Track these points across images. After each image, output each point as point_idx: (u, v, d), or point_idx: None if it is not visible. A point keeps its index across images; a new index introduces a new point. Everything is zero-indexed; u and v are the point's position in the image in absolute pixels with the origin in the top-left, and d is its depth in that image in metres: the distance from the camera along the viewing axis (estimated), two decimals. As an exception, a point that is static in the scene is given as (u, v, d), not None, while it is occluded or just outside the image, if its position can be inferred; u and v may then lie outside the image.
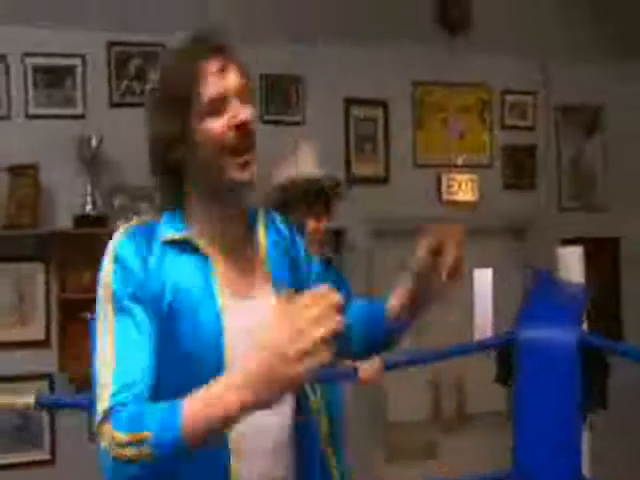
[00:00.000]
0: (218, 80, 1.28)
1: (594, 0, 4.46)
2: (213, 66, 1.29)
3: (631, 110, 4.45)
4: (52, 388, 3.66)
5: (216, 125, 1.28)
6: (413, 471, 4.02)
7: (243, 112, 1.28)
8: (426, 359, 2.69)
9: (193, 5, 3.79)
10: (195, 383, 1.11)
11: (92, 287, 3.83)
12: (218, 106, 1.28)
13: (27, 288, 3.66)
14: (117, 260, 1.29)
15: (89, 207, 3.61)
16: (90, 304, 3.79)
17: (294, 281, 1.42)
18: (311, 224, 2.41)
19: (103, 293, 1.30)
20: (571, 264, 3.00)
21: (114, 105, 3.76)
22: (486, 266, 4.47)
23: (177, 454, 1.10)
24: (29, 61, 3.62)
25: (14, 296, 3.64)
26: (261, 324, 1.11)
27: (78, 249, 3.63)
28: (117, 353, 1.23)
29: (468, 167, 4.34)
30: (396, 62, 4.13)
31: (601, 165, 4.59)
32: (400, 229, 4.14)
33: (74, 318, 3.62)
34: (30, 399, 2.26)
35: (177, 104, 1.28)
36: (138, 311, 1.26)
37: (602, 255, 4.64)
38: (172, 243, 1.32)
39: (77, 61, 3.68)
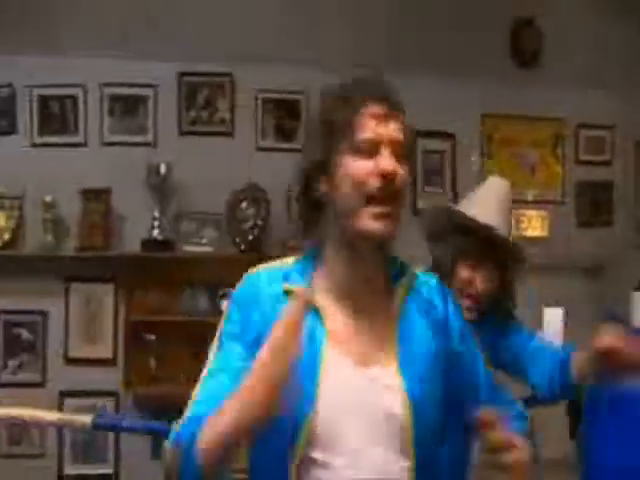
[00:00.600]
0: (376, 125, 1.23)
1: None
2: (376, 110, 1.23)
3: None
4: (117, 405, 3.80)
5: (361, 166, 1.22)
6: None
7: (391, 163, 1.21)
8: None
9: (261, 37, 3.86)
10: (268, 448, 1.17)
11: (157, 309, 3.98)
12: (369, 149, 1.22)
13: (97, 308, 3.81)
14: (234, 300, 1.31)
15: (156, 231, 3.73)
16: (155, 325, 3.93)
17: (433, 354, 1.28)
18: (464, 273, 1.96)
19: (218, 327, 1.32)
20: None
21: (183, 133, 3.87)
22: (558, 305, 4.33)
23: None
24: (106, 91, 3.79)
25: (84, 315, 3.79)
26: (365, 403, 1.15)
27: (145, 272, 3.76)
28: (202, 386, 1.24)
29: (539, 203, 4.22)
30: (466, 95, 4.07)
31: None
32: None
33: (139, 338, 3.76)
34: (88, 419, 2.30)
35: (329, 135, 1.24)
36: (236, 351, 1.24)
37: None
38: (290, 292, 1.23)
39: (149, 91, 3.83)
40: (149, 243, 3.73)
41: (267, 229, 3.79)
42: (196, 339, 3.80)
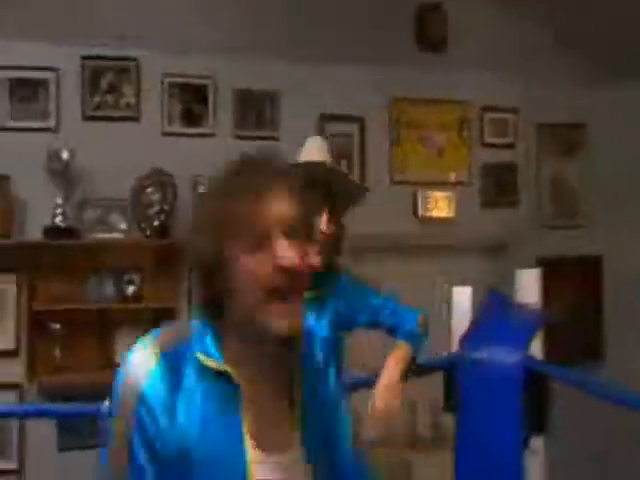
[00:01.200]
0: (272, 213, 1.14)
1: (577, 20, 4.42)
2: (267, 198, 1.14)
3: (613, 127, 4.40)
4: (21, 397, 3.70)
5: (260, 263, 1.13)
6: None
7: (292, 255, 1.13)
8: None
9: (165, 20, 3.83)
10: None
11: (62, 297, 3.88)
12: (263, 242, 1.13)
13: (-1, 298, 3.70)
14: (142, 401, 1.14)
15: (59, 219, 3.65)
16: (60, 314, 3.84)
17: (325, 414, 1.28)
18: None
19: (117, 424, 1.16)
20: (529, 286, 2.98)
21: (87, 118, 3.79)
22: (465, 284, 4.43)
23: None
24: (3, 74, 3.68)
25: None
26: None
27: (48, 260, 3.68)
28: None
29: (446, 184, 4.32)
30: (373, 79, 4.13)
31: (582, 183, 4.55)
32: (376, 246, 4.14)
33: (44, 328, 3.68)
34: None
35: (219, 231, 1.14)
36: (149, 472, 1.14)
37: (584, 273, 4.60)
38: (207, 370, 1.17)
39: (51, 75, 3.73)
40: (52, 231, 3.64)
41: (174, 214, 3.76)
42: (102, 326, 3.77)
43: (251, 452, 1.16)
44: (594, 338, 4.54)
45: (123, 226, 3.80)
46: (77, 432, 3.75)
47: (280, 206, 1.14)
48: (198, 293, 1.20)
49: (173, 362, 1.16)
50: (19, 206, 3.69)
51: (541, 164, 4.53)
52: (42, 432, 3.71)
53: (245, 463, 1.15)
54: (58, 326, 3.67)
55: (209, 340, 1.18)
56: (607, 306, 4.60)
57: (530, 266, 4.42)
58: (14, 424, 3.69)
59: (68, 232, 3.67)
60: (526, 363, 2.50)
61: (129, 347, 1.22)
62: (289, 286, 1.12)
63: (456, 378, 2.64)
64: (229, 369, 1.16)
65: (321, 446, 1.24)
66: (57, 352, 3.68)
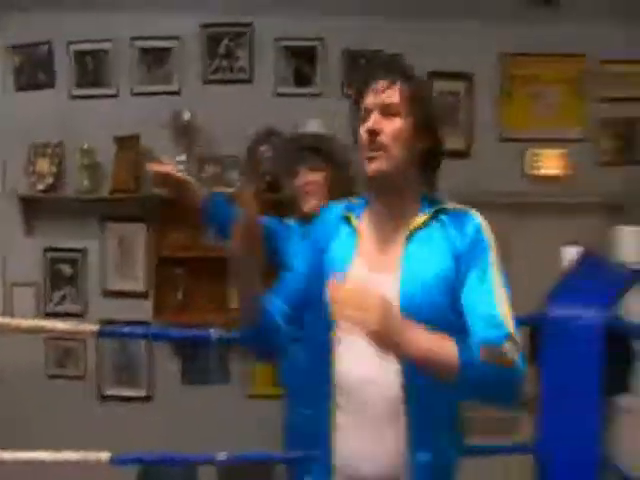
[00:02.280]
0: (373, 96, 1.68)
1: None
2: (376, 85, 1.68)
3: None
4: (151, 335, 4.13)
5: (360, 130, 1.69)
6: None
7: (373, 122, 1.66)
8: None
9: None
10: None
11: (183, 246, 4.25)
12: (366, 115, 1.68)
13: (130, 245, 4.15)
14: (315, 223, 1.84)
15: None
16: (181, 261, 4.21)
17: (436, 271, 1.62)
18: (298, 178, 2.56)
19: None
20: (629, 245, 2.91)
21: (206, 82, 4.12)
22: (579, 244, 4.32)
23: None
24: (133, 44, 4.08)
25: (119, 252, 4.14)
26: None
27: (173, 212, 4.05)
28: None
29: (559, 141, 4.22)
30: (482, 35, 4.10)
31: None
32: (482, 202, 4.13)
33: (169, 273, 4.09)
34: (95, 327, 2.55)
35: (355, 113, 1.73)
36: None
37: None
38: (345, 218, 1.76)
39: (174, 43, 4.08)
40: (175, 185, 4.01)
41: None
42: (218, 273, 4.10)
43: (357, 262, 1.67)
44: None
45: (238, 181, 4.10)
46: (198, 369, 4.16)
47: (384, 93, 1.67)
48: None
49: (343, 207, 1.79)
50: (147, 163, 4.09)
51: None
52: (168, 367, 4.15)
53: (349, 261, 1.68)
54: (181, 271, 4.06)
55: (356, 204, 1.78)
56: None
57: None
58: (143, 358, 4.15)
59: (189, 186, 4.02)
60: (609, 322, 2.46)
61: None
62: (371, 143, 1.65)
63: (539, 335, 2.65)
64: (352, 217, 1.74)
65: (413, 284, 1.61)
66: (180, 295, 4.07)
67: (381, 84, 1.66)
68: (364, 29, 4.11)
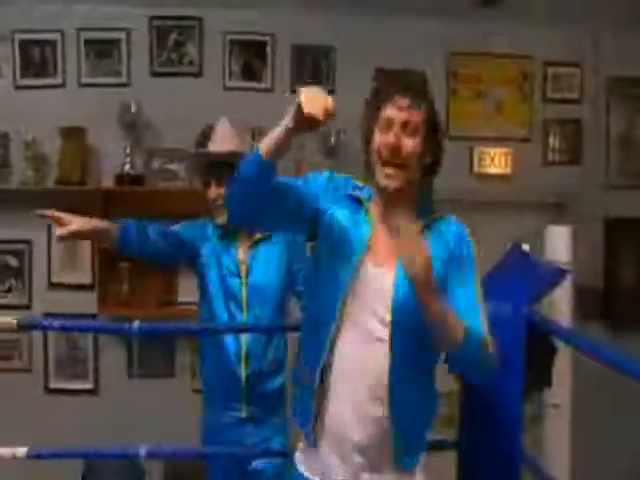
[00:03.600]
0: (397, 111, 1.77)
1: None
2: (402, 101, 1.77)
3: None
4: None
5: (381, 139, 1.79)
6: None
7: (397, 139, 1.76)
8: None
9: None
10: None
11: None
12: (386, 127, 1.78)
13: (76, 238, 4.12)
14: (330, 174, 1.93)
15: (128, 167, 4.00)
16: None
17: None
18: (209, 192, 2.79)
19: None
20: (558, 243, 2.98)
21: (154, 74, 4.10)
22: (523, 242, 4.41)
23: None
24: (79, 35, 4.04)
25: (65, 244, 4.11)
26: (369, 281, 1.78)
27: (119, 206, 4.04)
28: None
29: (505, 140, 4.30)
30: (430, 33, 4.16)
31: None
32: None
33: (114, 266, 4.07)
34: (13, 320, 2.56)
35: (372, 111, 1.82)
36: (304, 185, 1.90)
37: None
38: (355, 199, 1.88)
39: (122, 35, 4.06)
40: (121, 178, 4.01)
41: (230, 164, 4.01)
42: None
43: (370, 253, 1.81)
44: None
45: (183, 175, 4.10)
46: (144, 362, 4.17)
47: (406, 111, 1.78)
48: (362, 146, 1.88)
49: (347, 183, 1.92)
50: (94, 155, 4.07)
51: (610, 120, 4.39)
52: (114, 360, 4.15)
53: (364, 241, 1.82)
54: (126, 265, 4.05)
55: (362, 189, 1.90)
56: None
57: (594, 226, 4.38)
58: (89, 351, 4.15)
59: (136, 179, 4.02)
60: (529, 318, 2.53)
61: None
62: (392, 159, 1.77)
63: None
64: (364, 201, 1.86)
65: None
66: (125, 288, 4.07)
67: (407, 102, 1.76)
68: (314, 24, 4.14)
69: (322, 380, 1.78)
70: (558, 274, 2.80)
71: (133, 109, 3.98)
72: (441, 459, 2.27)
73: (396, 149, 1.76)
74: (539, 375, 2.59)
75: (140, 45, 4.10)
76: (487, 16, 4.18)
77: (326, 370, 1.78)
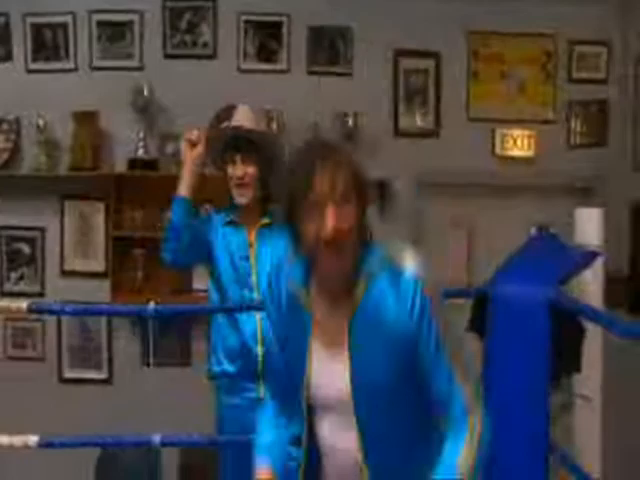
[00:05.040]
0: (319, 188, 1.45)
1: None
2: (325, 176, 1.46)
3: None
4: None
5: (311, 230, 1.47)
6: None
7: (331, 224, 1.45)
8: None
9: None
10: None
11: (141, 226, 4.15)
12: (316, 210, 1.46)
13: (89, 225, 4.05)
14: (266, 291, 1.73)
15: (141, 151, 3.92)
16: (140, 241, 4.13)
17: (383, 338, 1.54)
18: (234, 169, 2.68)
19: None
20: (588, 226, 2.86)
21: (167, 57, 4.02)
22: (547, 225, 4.29)
23: None
24: (94, 17, 3.96)
25: (78, 231, 4.05)
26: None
27: (132, 190, 3.97)
28: None
29: (528, 122, 4.17)
30: (450, 12, 4.03)
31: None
32: (448, 182, 4.10)
33: (128, 253, 4.00)
34: (23, 304, 2.50)
35: (292, 193, 1.49)
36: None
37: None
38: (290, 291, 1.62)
39: (135, 17, 3.97)
40: (134, 163, 3.92)
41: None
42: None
43: (314, 343, 1.59)
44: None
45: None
46: (160, 350, 4.10)
47: (331, 183, 1.47)
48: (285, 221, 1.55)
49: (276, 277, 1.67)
50: (106, 140, 4.00)
51: (638, 101, 4.24)
52: (128, 349, 4.08)
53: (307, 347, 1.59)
54: (140, 252, 3.98)
55: (301, 264, 1.59)
56: None
57: (620, 210, 4.23)
58: (103, 340, 4.08)
59: (150, 164, 3.94)
60: (555, 300, 2.42)
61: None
62: (333, 242, 1.46)
63: (485, 309, 2.61)
64: (302, 294, 1.59)
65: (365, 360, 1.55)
66: (139, 275, 3.99)
67: (328, 175, 1.47)
68: (330, 4, 4.03)
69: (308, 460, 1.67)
70: (589, 256, 2.69)
71: (146, 92, 3.90)
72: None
73: (337, 231, 1.48)
74: (568, 360, 2.49)
75: (153, 27, 4.02)
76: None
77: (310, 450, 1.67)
